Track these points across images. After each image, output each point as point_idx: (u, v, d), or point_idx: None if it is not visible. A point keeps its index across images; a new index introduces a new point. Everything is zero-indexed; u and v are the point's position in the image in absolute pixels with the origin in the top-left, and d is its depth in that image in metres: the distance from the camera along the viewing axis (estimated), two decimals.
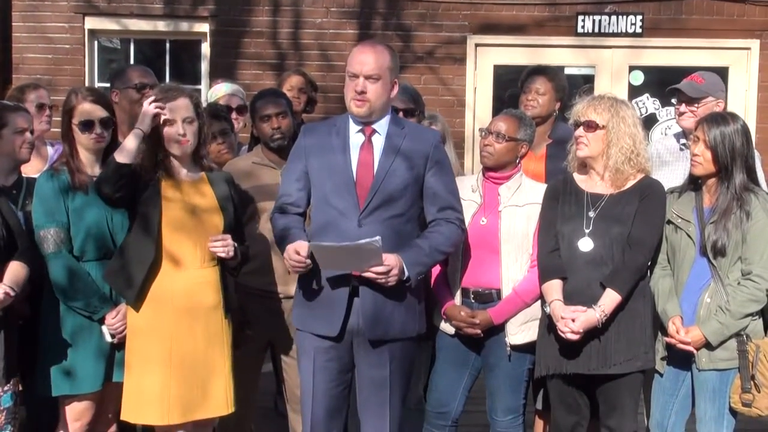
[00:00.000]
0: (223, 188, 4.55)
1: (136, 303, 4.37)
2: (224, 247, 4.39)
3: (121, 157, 4.26)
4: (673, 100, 5.35)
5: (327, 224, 4.28)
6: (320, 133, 4.44)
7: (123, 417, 4.46)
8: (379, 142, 4.35)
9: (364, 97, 4.26)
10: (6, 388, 4.28)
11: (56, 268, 4.42)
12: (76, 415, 4.56)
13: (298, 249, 4.14)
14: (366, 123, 4.35)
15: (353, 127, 4.37)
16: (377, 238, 4.06)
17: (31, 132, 4.89)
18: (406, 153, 4.32)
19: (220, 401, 4.47)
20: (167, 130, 4.39)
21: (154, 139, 4.39)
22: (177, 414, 4.37)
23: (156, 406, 4.35)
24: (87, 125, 4.54)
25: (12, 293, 4.16)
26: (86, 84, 9.30)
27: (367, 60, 4.26)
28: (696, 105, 5.17)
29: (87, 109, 4.55)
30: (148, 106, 4.36)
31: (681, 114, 5.24)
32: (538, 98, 5.53)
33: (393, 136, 4.35)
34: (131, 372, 4.41)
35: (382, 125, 4.36)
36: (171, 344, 4.37)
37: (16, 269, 4.27)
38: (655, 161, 5.27)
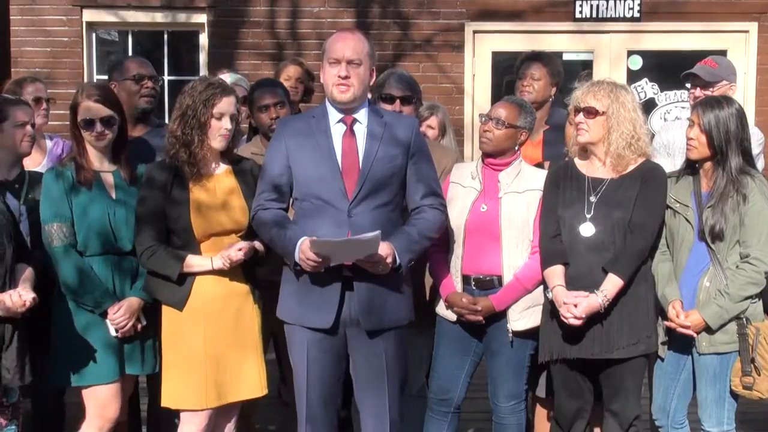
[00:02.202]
0: (249, 182, 4.58)
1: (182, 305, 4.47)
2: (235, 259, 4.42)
3: (178, 270, 4.38)
4: (688, 85, 5.36)
5: (313, 215, 4.28)
6: (299, 122, 4.47)
7: (164, 403, 4.52)
8: (360, 130, 4.35)
9: (348, 82, 4.26)
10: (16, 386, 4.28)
11: (64, 264, 4.45)
12: (102, 406, 4.57)
13: (311, 247, 4.14)
14: (346, 112, 4.35)
15: (333, 118, 4.36)
16: (378, 232, 4.07)
17: (32, 125, 4.90)
18: (389, 141, 4.33)
19: (253, 384, 4.55)
20: (215, 123, 4.42)
21: (199, 125, 4.41)
22: (213, 399, 4.45)
23: (196, 394, 4.42)
24: (89, 123, 4.57)
25: (37, 299, 4.16)
26: (85, 77, 9.31)
27: (348, 45, 4.27)
28: (711, 89, 5.20)
29: (89, 107, 4.58)
30: (237, 254, 4.38)
31: (696, 98, 5.25)
32: (533, 84, 5.53)
33: (374, 124, 4.35)
34: (170, 363, 4.48)
35: (361, 115, 4.36)
36: (205, 335, 4.43)
37: (29, 271, 4.27)
38: (672, 146, 5.29)
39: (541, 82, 5.55)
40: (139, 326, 4.56)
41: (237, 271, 4.48)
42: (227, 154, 4.59)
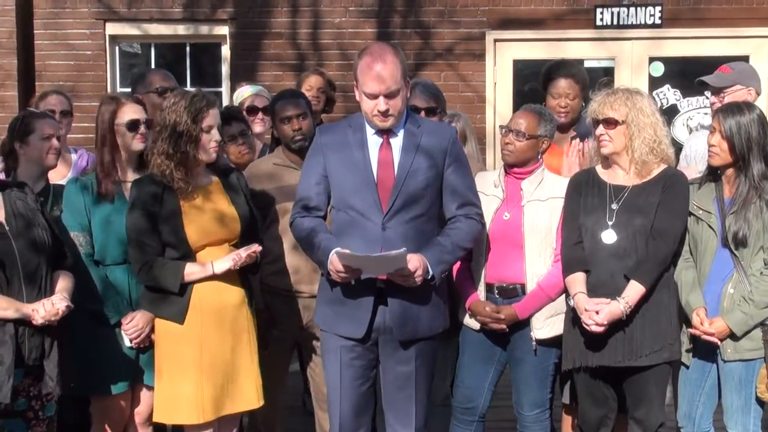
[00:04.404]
0: (239, 194, 4.61)
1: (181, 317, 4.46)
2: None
3: (179, 280, 4.39)
4: (707, 93, 5.33)
5: (348, 226, 4.29)
6: (337, 131, 4.43)
7: (155, 419, 4.53)
8: (397, 141, 4.33)
9: (387, 114, 4.23)
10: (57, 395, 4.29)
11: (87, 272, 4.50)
12: (106, 415, 4.62)
13: (339, 259, 4.16)
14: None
15: (370, 128, 4.34)
16: (403, 249, 4.07)
17: (58, 138, 4.94)
18: (425, 151, 4.31)
19: (250, 395, 4.54)
20: (205, 137, 4.42)
21: (188, 139, 4.41)
22: (210, 411, 4.43)
23: (190, 406, 4.41)
24: (133, 125, 4.59)
25: (72, 306, 4.15)
26: (108, 89, 9.38)
27: (383, 77, 4.17)
28: (722, 94, 5.15)
29: (132, 109, 4.62)
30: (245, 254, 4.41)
31: (711, 105, 5.22)
32: (569, 103, 5.49)
33: (410, 134, 4.33)
34: (162, 376, 4.47)
35: (399, 126, 4.34)
36: (201, 347, 4.43)
37: (67, 279, 4.28)
38: (694, 156, 5.26)
39: (576, 99, 5.51)
40: (153, 337, 4.57)
41: (233, 281, 4.50)
42: (213, 165, 4.60)
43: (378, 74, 4.18)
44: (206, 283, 4.43)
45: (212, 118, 4.44)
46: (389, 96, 4.20)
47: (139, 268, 4.41)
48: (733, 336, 4.39)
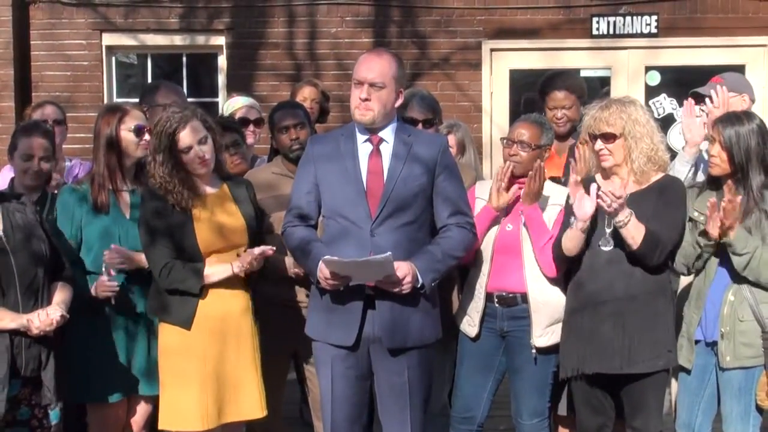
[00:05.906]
0: (246, 202, 4.63)
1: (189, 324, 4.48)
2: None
3: (200, 282, 4.42)
4: (703, 108, 5.30)
5: (339, 234, 4.31)
6: (328, 141, 4.47)
7: (161, 426, 4.53)
8: (387, 149, 4.35)
9: (368, 105, 4.26)
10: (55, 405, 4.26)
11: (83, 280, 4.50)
12: (103, 424, 4.61)
13: (326, 266, 4.17)
14: (372, 131, 4.36)
15: (360, 137, 4.37)
16: (388, 253, 4.08)
17: (46, 158, 4.86)
18: (415, 159, 4.33)
19: (253, 404, 4.55)
20: (186, 158, 4.43)
21: (174, 163, 4.42)
22: (213, 418, 4.45)
23: (194, 413, 4.43)
24: (139, 130, 4.61)
25: (67, 316, 4.15)
26: (105, 100, 9.37)
27: (372, 67, 4.27)
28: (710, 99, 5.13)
29: (137, 115, 4.66)
30: (257, 254, 4.42)
31: (706, 115, 5.21)
32: (566, 113, 5.51)
33: (401, 143, 4.35)
34: (167, 384, 4.49)
35: (388, 133, 4.37)
36: (205, 354, 4.45)
37: (65, 290, 4.28)
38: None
39: (573, 109, 5.53)
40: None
41: (238, 288, 4.52)
42: (219, 170, 4.62)
43: (369, 65, 4.27)
44: (210, 292, 4.46)
45: (187, 138, 4.42)
46: (373, 86, 4.24)
47: (160, 270, 4.42)
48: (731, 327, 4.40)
